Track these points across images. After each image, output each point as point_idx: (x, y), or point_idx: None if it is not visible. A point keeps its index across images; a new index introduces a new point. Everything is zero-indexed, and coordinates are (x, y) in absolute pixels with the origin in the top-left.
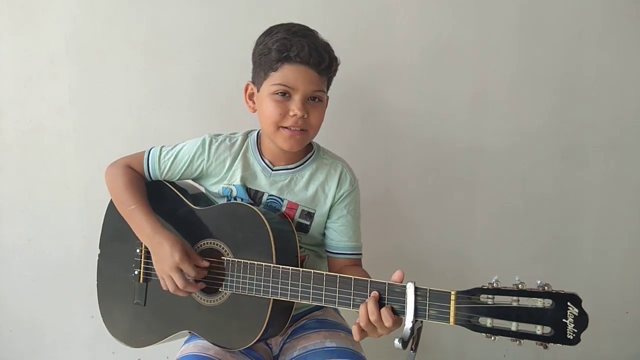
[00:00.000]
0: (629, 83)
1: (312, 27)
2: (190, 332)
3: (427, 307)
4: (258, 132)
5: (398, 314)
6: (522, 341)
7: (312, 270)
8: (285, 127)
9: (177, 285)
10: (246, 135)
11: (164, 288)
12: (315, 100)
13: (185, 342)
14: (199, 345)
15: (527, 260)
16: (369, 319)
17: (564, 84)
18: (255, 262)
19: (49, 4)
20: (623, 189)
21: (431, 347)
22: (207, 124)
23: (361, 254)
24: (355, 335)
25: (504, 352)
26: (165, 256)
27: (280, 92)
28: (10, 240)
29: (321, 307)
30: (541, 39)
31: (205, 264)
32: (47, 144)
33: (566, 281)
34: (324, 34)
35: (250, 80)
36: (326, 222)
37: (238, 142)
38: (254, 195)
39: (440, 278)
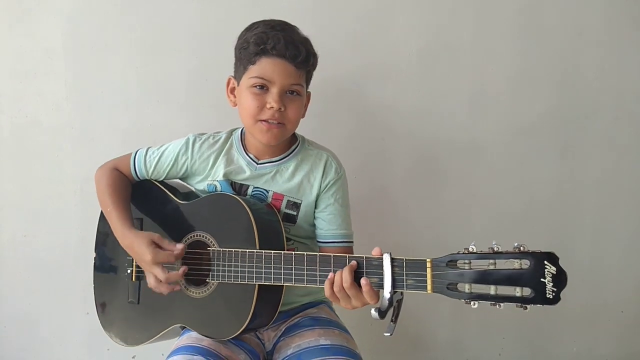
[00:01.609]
0: (627, 82)
1: (309, 25)
2: (182, 328)
3: (405, 277)
4: (242, 129)
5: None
6: (501, 305)
7: (292, 252)
8: (263, 121)
9: (159, 280)
10: (230, 132)
11: (149, 285)
12: (293, 94)
13: (180, 335)
14: (193, 337)
15: None
16: (342, 284)
17: (562, 83)
18: (239, 250)
19: (45, 0)
20: (620, 189)
21: (427, 344)
22: (202, 121)
23: (352, 241)
24: (326, 291)
25: (499, 350)
26: (140, 255)
27: (258, 85)
28: (6, 236)
29: (315, 305)
30: (540, 38)
31: (179, 246)
32: (43, 140)
33: None
34: (322, 33)
35: (232, 74)
36: (314, 212)
37: (221, 140)
38: (239, 189)
39: None
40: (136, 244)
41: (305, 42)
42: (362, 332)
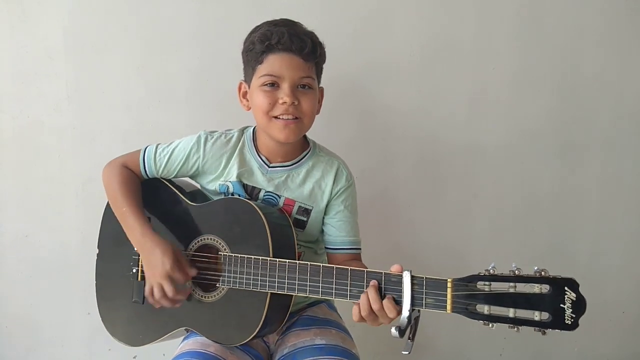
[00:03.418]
0: (628, 83)
1: (310, 24)
2: (187, 330)
3: (424, 296)
4: (254, 129)
5: (398, 304)
6: (519, 328)
7: (308, 263)
8: (278, 117)
9: (165, 294)
10: (242, 131)
11: (148, 294)
12: (305, 88)
13: (185, 338)
14: (199, 341)
15: (525, 259)
16: (370, 307)
17: (562, 84)
18: (253, 256)
19: (46, 1)
20: (621, 189)
21: (427, 347)
22: (204, 121)
23: (360, 248)
24: (355, 316)
25: (500, 351)
26: (156, 263)
27: (269, 83)
28: (7, 236)
29: (315, 304)
30: (540, 38)
31: (194, 272)
32: (45, 140)
33: None
34: (323, 32)
35: (243, 79)
36: (324, 218)
37: (234, 139)
38: (251, 192)
39: (438, 274)
40: (158, 251)
41: (310, 34)
42: (364, 333)
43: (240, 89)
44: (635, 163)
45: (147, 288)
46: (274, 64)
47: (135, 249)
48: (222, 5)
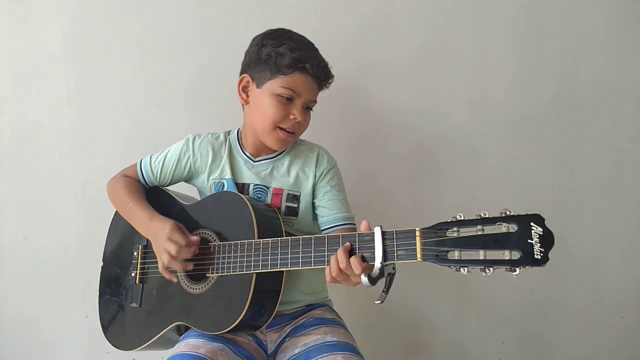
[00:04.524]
0: (627, 87)
1: (310, 27)
2: (179, 331)
3: (395, 248)
4: (238, 130)
5: (369, 262)
6: (491, 269)
7: (289, 238)
8: (282, 129)
9: (170, 255)
10: (227, 134)
11: (161, 268)
12: (309, 110)
13: (178, 343)
14: (190, 344)
15: None
16: (339, 267)
17: (561, 86)
18: (238, 242)
19: (47, 4)
20: (620, 191)
21: (427, 349)
22: (204, 124)
23: (354, 224)
24: (327, 277)
25: (499, 355)
26: (159, 232)
27: (287, 96)
28: (6, 238)
29: (318, 306)
30: (540, 42)
31: (196, 238)
32: (45, 143)
33: (562, 285)
34: (322, 35)
35: (247, 73)
36: (314, 202)
37: (221, 138)
38: (242, 188)
39: (437, 279)
40: (161, 224)
41: (328, 66)
42: (363, 336)
43: (241, 82)
44: (634, 166)
45: (159, 264)
46: (298, 81)
47: (145, 235)
48: (222, 8)
